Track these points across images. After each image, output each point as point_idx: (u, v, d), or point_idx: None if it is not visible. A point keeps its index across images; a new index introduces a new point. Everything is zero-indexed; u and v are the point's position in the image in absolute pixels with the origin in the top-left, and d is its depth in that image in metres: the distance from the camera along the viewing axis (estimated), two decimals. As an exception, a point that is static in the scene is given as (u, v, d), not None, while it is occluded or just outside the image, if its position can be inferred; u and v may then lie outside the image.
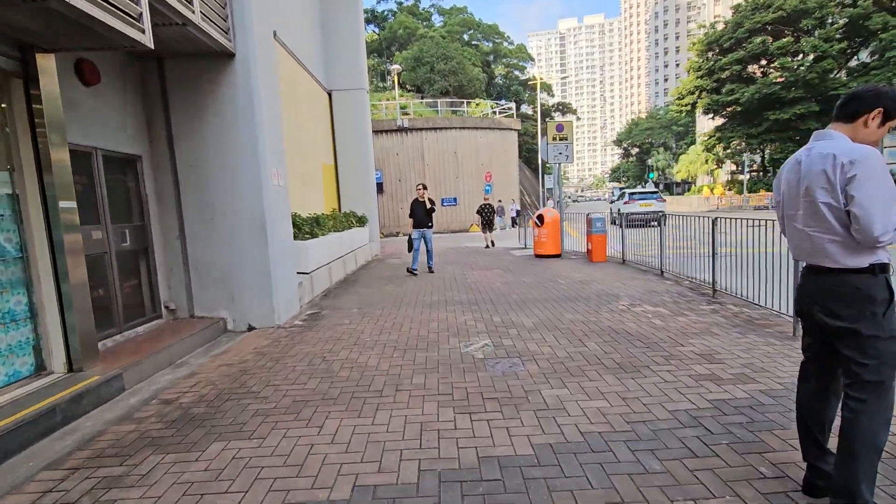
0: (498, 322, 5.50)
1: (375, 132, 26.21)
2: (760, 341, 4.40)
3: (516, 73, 64.60)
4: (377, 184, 26.57)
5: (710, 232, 6.21)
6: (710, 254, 6.25)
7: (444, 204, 27.22)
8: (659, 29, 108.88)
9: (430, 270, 9.75)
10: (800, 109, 29.90)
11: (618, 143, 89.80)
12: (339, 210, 13.93)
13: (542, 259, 10.97)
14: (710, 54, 35.77)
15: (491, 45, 63.43)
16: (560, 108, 72.93)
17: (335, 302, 7.22)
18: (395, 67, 27.72)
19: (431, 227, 9.55)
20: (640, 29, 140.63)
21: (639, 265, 9.12)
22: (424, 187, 9.49)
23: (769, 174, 41.12)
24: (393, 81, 30.94)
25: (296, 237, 7.26)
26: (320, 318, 6.18)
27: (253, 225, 5.55)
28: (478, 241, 18.78)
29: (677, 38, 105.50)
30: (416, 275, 9.36)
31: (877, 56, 29.06)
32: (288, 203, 6.37)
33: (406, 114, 29.36)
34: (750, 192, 34.39)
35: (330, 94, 14.03)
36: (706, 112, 38.42)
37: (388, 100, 30.37)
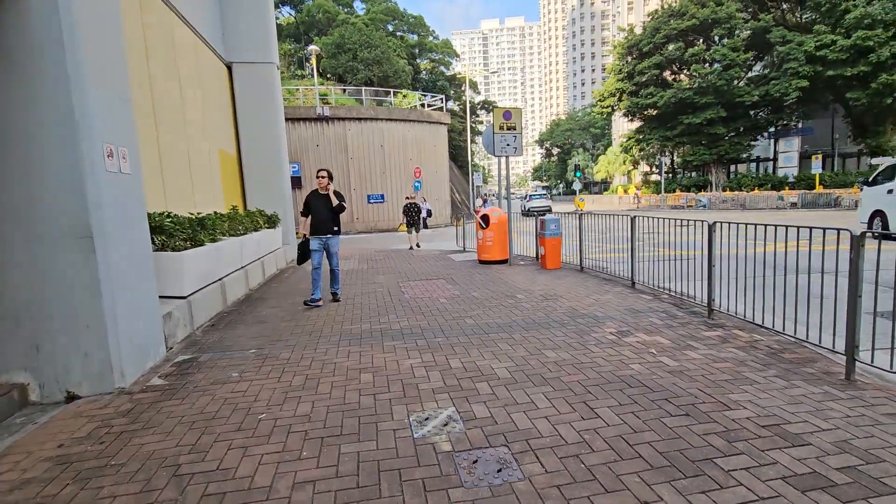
0: (458, 369, 3.92)
1: (292, 120, 23.54)
2: (818, 393, 3.23)
3: (442, 68, 63.62)
4: (294, 177, 23.90)
5: (708, 238, 5.10)
6: (707, 265, 5.14)
7: (371, 201, 25.24)
8: (576, 34, 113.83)
9: (335, 298, 6.78)
10: (710, 114, 31.65)
11: (540, 143, 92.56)
12: (245, 208, 11.63)
13: (487, 265, 9.58)
14: (629, 58, 36.97)
15: (416, 37, 61.93)
16: (485, 105, 73.17)
17: (225, 337, 5.22)
18: (314, 48, 25.06)
19: (338, 232, 6.60)
20: (558, 34, 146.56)
21: (599, 272, 8.02)
22: (330, 176, 6.48)
23: (679, 175, 43.74)
24: (311, 66, 28.24)
25: (165, 246, 5.16)
26: (195, 369, 4.20)
27: (70, 232, 3.47)
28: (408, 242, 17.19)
29: (593, 44, 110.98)
30: (319, 306, 6.43)
31: (769, 69, 31.55)
32: (140, 197, 4.28)
33: (327, 102, 26.82)
34: (666, 192, 36.09)
35: (230, 68, 11.62)
36: (627, 114, 39.84)
37: (307, 87, 27.59)
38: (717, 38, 32.00)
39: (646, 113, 37.56)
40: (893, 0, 25.57)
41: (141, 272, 4.13)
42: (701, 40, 32.64)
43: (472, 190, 35.64)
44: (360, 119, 24.75)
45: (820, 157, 28.19)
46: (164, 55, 7.25)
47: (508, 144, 9.13)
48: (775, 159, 34.98)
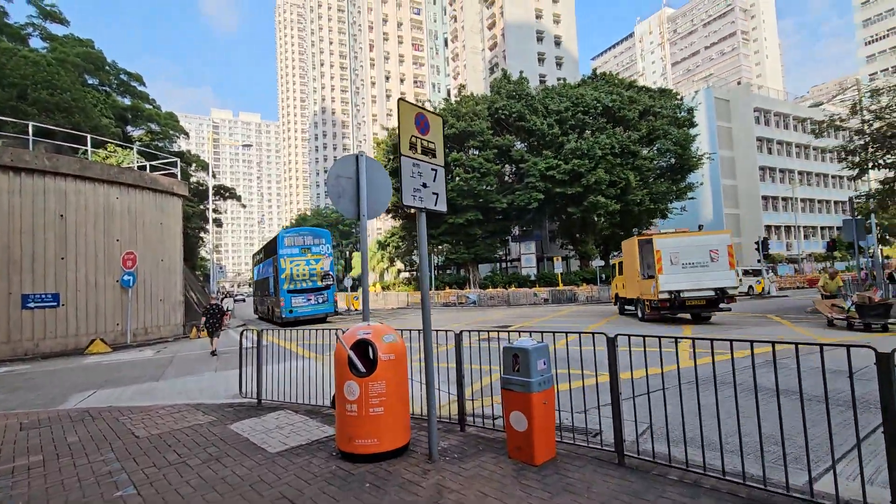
0: None
1: None
2: None
3: (165, 143, 52.25)
4: None
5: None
6: None
7: (30, 304, 14.58)
8: (318, 137, 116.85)
9: None
10: (470, 216, 33.36)
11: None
12: None
13: (376, 471, 3.84)
14: (391, 156, 36.97)
15: (129, 101, 49.65)
16: (222, 191, 63.28)
17: None
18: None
19: None
20: (297, 136, 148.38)
21: (665, 466, 3.55)
22: None
23: (441, 272, 45.00)
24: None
25: None
26: None
27: None
28: (127, 390, 8.91)
29: (335, 148, 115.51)
30: None
31: (514, 182, 36.25)
32: None
33: (-53, 138, 15.47)
34: (437, 290, 35.49)
35: None
36: (389, 211, 39.01)
37: None
38: (473, 149, 35.16)
39: (413, 210, 37.49)
40: (589, 140, 32.71)
41: None
42: (459, 148, 35.25)
43: (214, 285, 26.88)
44: (22, 170, 14.72)
45: (560, 258, 32.47)
46: None
47: (425, 185, 4.17)
48: (518, 259, 39.39)
